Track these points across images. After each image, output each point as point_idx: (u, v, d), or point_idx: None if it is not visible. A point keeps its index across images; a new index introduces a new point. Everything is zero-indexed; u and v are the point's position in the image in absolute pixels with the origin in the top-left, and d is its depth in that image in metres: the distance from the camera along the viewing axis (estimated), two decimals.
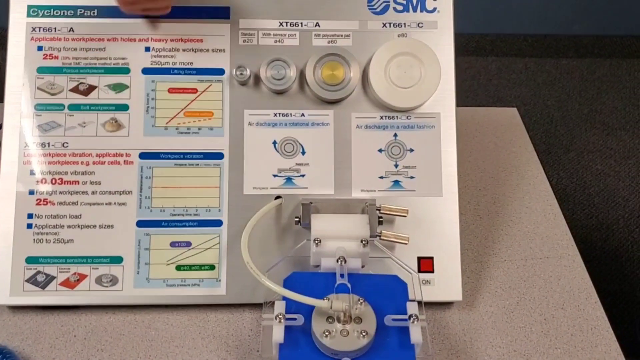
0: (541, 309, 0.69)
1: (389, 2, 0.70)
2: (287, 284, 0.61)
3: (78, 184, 0.66)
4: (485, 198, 0.81)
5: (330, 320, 0.57)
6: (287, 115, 0.68)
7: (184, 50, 0.68)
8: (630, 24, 2.19)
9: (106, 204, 0.66)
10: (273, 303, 0.59)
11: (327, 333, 0.55)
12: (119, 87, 0.67)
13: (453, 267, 0.67)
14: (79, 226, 0.65)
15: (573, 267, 0.73)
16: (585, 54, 2.19)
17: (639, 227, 1.71)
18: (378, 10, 0.70)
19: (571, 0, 2.10)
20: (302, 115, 0.68)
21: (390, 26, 0.69)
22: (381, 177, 0.68)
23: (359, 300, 0.58)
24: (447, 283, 0.67)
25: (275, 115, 0.68)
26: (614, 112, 2.03)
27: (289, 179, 0.67)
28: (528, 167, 0.86)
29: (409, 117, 0.69)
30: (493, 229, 0.78)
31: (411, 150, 0.68)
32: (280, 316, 0.56)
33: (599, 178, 1.83)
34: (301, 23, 0.69)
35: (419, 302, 0.60)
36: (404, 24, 0.69)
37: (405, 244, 0.65)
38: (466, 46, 2.15)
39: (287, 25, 0.69)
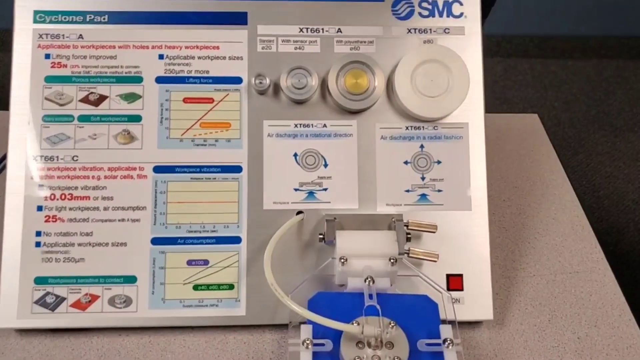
0: (574, 327, 0.66)
1: (413, 6, 0.67)
2: (312, 304, 0.58)
3: (89, 199, 0.62)
4: (510, 209, 0.78)
5: (360, 346, 0.54)
6: (308, 126, 0.65)
7: (199, 57, 0.65)
8: (636, 25, 2.17)
9: (119, 220, 0.62)
10: (298, 325, 0.56)
11: (357, 359, 0.52)
12: (131, 97, 0.64)
13: (483, 284, 0.64)
14: (90, 244, 0.62)
15: (604, 282, 0.70)
16: (591, 55, 2.16)
17: None
18: (402, 15, 0.66)
19: (577, 1, 2.08)
20: (324, 126, 0.65)
21: (415, 32, 0.66)
22: (407, 191, 0.65)
23: (389, 323, 0.55)
24: (477, 301, 0.64)
25: (296, 126, 0.65)
26: (621, 114, 2.01)
27: (310, 193, 0.64)
28: (552, 176, 0.83)
29: (435, 128, 0.66)
30: (519, 242, 0.75)
31: (438, 162, 0.65)
32: (307, 341, 0.53)
33: (608, 181, 1.81)
34: (322, 29, 0.66)
35: (452, 324, 0.57)
36: (430, 29, 0.66)
37: (435, 261, 0.62)
38: None
39: (307, 32, 0.66)
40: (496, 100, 2.02)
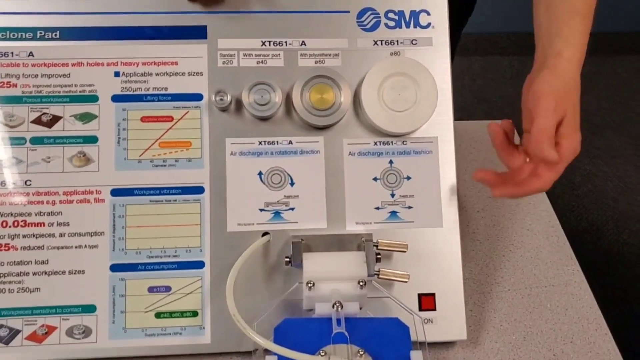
0: (549, 343, 0.64)
1: (380, 17, 0.64)
2: (279, 332, 0.55)
3: (44, 225, 0.60)
4: (484, 221, 0.77)
5: None
6: (273, 143, 0.62)
7: (157, 74, 0.62)
8: (612, 21, 2.17)
9: (76, 247, 0.59)
10: (263, 354, 0.54)
11: None
12: (86, 117, 0.61)
13: (456, 303, 0.62)
14: (45, 273, 0.59)
15: (580, 295, 0.69)
16: None
17: (629, 228, 1.68)
18: (368, 26, 0.64)
19: None
20: (290, 142, 0.62)
21: (381, 44, 0.64)
22: (377, 208, 0.62)
23: (358, 351, 0.53)
24: (450, 321, 0.62)
25: (260, 143, 0.62)
26: (599, 111, 2.01)
27: (277, 214, 0.61)
28: None
29: (404, 142, 0.63)
30: (494, 255, 0.73)
31: (408, 177, 0.63)
32: None
33: (588, 179, 1.80)
34: (285, 42, 0.63)
35: (423, 348, 0.55)
36: (397, 41, 0.64)
37: (406, 282, 0.60)
38: None
39: (270, 45, 0.63)
40: (474, 99, 2.00)
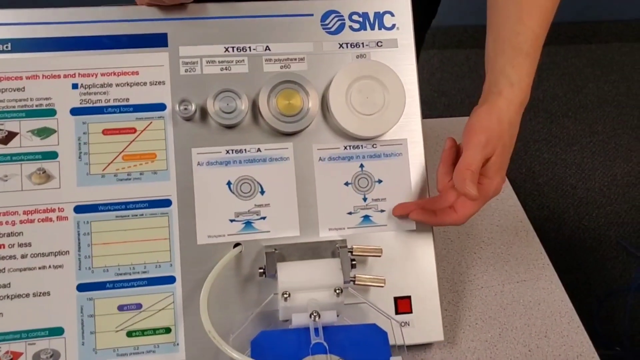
0: (524, 339, 0.65)
1: (344, 20, 0.63)
2: (255, 346, 0.54)
3: (4, 247, 0.57)
4: None
5: None
6: (240, 151, 0.61)
7: (117, 85, 0.60)
8: (565, 11, 2.22)
9: (39, 268, 0.57)
10: None
11: None
12: (44, 132, 0.59)
13: (432, 304, 0.62)
14: (8, 297, 0.56)
15: (551, 289, 0.70)
16: None
17: (588, 214, 1.73)
18: (333, 29, 0.63)
19: None
20: (258, 150, 0.61)
21: (347, 47, 0.63)
22: (350, 213, 0.62)
23: None
24: (426, 323, 0.62)
25: (228, 152, 0.61)
26: (555, 99, 2.05)
27: (248, 223, 0.60)
28: None
29: (374, 146, 0.63)
30: (465, 253, 0.73)
31: (379, 181, 0.63)
32: None
33: (547, 167, 1.84)
34: (249, 47, 0.62)
35: (402, 351, 0.55)
36: (362, 43, 0.64)
37: (382, 286, 0.59)
38: None
39: (233, 51, 0.62)
40: (434, 93, 2.02)
